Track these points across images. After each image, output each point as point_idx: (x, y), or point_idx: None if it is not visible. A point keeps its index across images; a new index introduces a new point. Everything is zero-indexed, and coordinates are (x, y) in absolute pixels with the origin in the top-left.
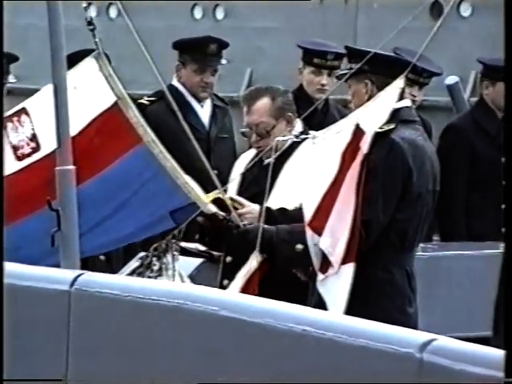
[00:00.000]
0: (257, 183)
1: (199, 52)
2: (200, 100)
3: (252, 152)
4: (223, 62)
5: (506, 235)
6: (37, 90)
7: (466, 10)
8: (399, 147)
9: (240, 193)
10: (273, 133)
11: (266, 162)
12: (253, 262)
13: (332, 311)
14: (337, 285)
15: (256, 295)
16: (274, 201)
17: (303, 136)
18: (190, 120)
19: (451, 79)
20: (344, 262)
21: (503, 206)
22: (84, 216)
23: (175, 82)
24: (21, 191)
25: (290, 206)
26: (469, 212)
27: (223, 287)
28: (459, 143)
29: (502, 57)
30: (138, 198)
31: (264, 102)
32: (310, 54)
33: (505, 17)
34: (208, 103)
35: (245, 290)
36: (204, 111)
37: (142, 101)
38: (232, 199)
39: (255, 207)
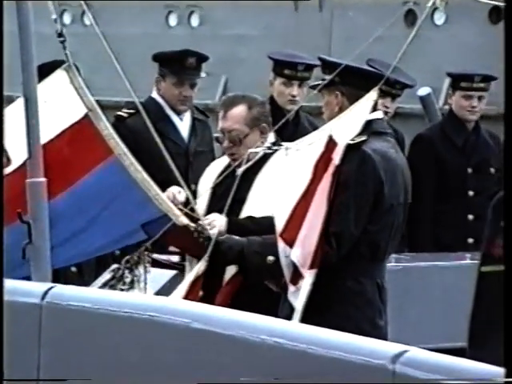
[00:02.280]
0: (229, 195)
1: (178, 65)
2: (179, 113)
3: (222, 160)
4: (202, 75)
5: (506, 245)
6: (11, 97)
7: (439, 19)
8: (371, 159)
9: (212, 204)
10: (245, 141)
11: (238, 172)
12: (201, 267)
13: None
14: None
15: (228, 306)
16: (248, 212)
17: (276, 147)
18: (168, 133)
19: (424, 90)
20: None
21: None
22: (55, 230)
23: (155, 95)
24: None
25: (260, 215)
26: (436, 222)
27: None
28: (426, 153)
29: (477, 65)
30: (109, 211)
31: (240, 110)
32: (281, 65)
33: (505, 21)
34: (187, 116)
35: (188, 295)
36: (183, 124)
37: (121, 113)
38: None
39: (218, 215)
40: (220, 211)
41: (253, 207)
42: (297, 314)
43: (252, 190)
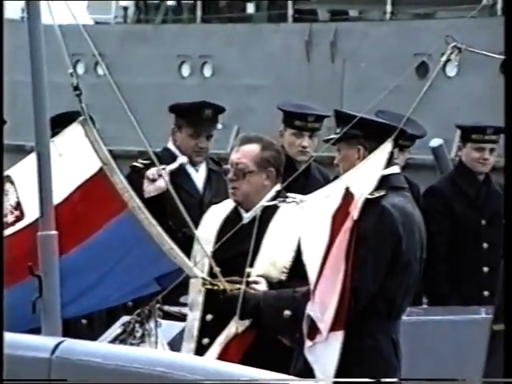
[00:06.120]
0: (239, 244)
1: (194, 117)
2: (195, 164)
3: (223, 206)
4: (219, 126)
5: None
6: (23, 147)
7: (451, 71)
8: (390, 214)
9: (219, 252)
10: (248, 178)
11: (245, 219)
12: (232, 328)
13: (320, 379)
14: (325, 352)
15: (239, 362)
16: (260, 264)
17: (290, 200)
18: (184, 184)
19: (435, 142)
20: (332, 329)
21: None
22: (67, 286)
23: (170, 146)
24: (4, 261)
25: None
26: (450, 275)
27: (202, 346)
28: (438, 205)
29: (488, 117)
30: (122, 265)
31: (253, 148)
32: (291, 116)
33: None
34: (203, 167)
35: (222, 356)
36: (198, 175)
37: (137, 164)
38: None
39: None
40: (227, 261)
41: (265, 259)
42: (321, 374)
43: (264, 240)
